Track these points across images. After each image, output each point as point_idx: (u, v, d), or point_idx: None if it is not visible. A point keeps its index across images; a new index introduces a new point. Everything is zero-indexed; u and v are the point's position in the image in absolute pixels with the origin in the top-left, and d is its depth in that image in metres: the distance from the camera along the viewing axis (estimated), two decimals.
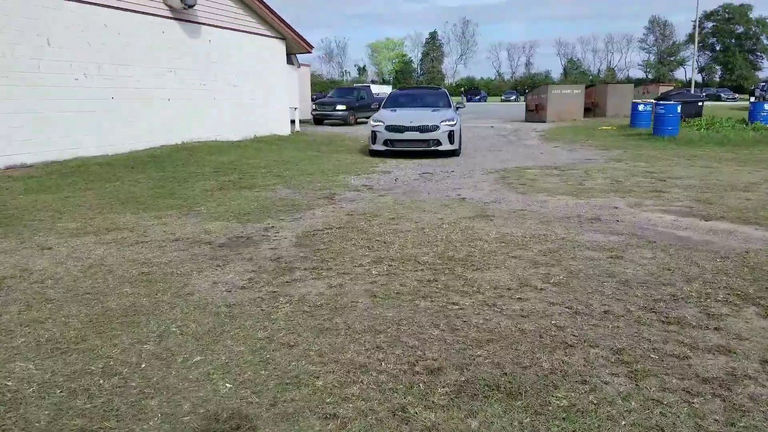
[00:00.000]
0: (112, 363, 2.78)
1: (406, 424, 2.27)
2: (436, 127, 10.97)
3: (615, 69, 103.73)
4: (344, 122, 22.89)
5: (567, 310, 3.38)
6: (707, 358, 2.75)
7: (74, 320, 3.31)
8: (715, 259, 4.23)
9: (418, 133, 10.94)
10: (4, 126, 8.64)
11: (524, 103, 27.59)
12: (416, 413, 2.34)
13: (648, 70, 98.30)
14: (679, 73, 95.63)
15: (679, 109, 14.81)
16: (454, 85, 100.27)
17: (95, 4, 10.20)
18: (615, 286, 3.75)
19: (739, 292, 3.56)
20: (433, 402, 2.42)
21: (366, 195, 7.21)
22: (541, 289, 3.74)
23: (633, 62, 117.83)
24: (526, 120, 25.22)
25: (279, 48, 16.06)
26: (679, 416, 2.28)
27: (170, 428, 2.26)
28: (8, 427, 2.26)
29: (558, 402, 2.41)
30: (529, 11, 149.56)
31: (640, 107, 17.60)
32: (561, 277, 3.95)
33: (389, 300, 3.58)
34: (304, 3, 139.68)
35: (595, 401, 2.41)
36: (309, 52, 17.54)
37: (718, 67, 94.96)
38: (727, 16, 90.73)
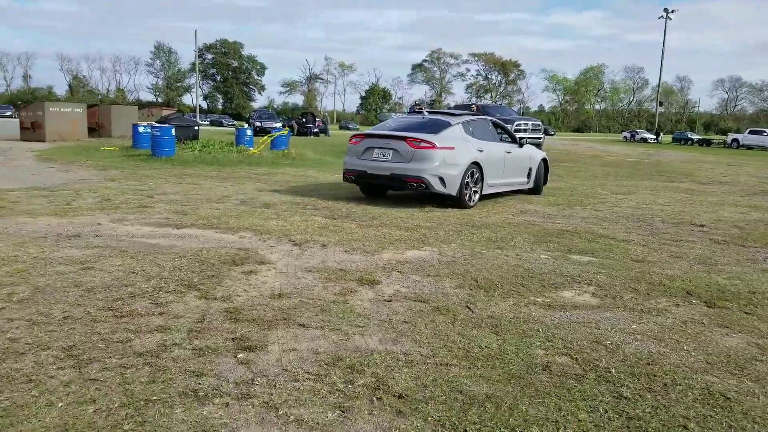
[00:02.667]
0: None
1: None
2: None
3: (125, 90, 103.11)
4: None
5: (26, 322, 3.46)
6: (146, 338, 3.32)
7: None
8: (174, 259, 4.99)
9: None
10: None
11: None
12: None
13: (157, 93, 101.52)
14: (187, 99, 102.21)
15: (173, 131, 16.10)
16: None
17: None
18: (80, 293, 4.01)
19: (187, 282, 4.35)
20: None
21: None
22: (1, 308, 3.68)
23: (142, 85, 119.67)
24: (22, 139, 22.76)
25: None
26: (111, 386, 2.73)
27: None
28: None
29: (2, 404, 2.52)
30: (21, 20, 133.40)
31: (141, 129, 18.26)
32: (26, 293, 3.97)
33: None
34: None
35: (38, 393, 2.63)
36: None
37: (219, 96, 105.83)
38: (223, 50, 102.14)
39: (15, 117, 56.12)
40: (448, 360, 3.24)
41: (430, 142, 8.39)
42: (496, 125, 10.36)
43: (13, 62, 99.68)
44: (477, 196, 9.02)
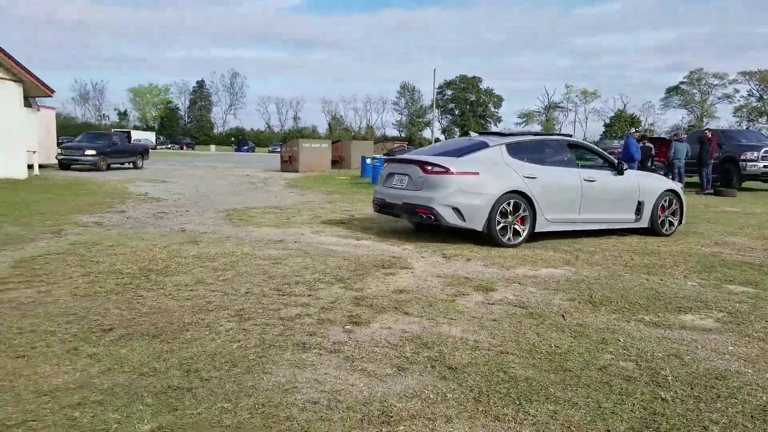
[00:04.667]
0: None
1: (75, 354, 3.52)
2: None
3: (374, 127, 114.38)
4: (95, 167, 22.40)
5: (221, 293, 4.92)
6: (291, 309, 4.49)
7: None
8: (340, 260, 6.21)
9: None
10: None
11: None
12: (84, 349, 3.60)
13: (401, 129, 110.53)
14: (427, 133, 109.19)
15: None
16: (223, 134, 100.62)
17: None
18: (263, 279, 5.42)
19: (339, 277, 5.50)
20: (98, 344, 3.70)
21: (94, 230, 8.08)
22: (210, 283, 5.23)
23: (388, 121, 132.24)
24: (281, 170, 27.38)
25: (15, 91, 15.68)
26: (253, 335, 3.92)
27: None
28: None
29: (186, 336, 3.87)
30: (293, 69, 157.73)
31: (368, 161, 20.80)
32: (229, 275, 5.51)
33: (87, 297, 4.74)
34: (56, 42, 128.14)
35: (208, 333, 3.94)
36: (50, 96, 17.34)
37: (457, 129, 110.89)
38: (462, 85, 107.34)
39: None
40: (511, 350, 3.76)
41: (443, 167, 7.26)
42: (575, 147, 8.61)
43: (287, 106, 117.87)
44: (525, 233, 7.43)
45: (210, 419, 2.78)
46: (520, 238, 7.42)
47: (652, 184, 8.78)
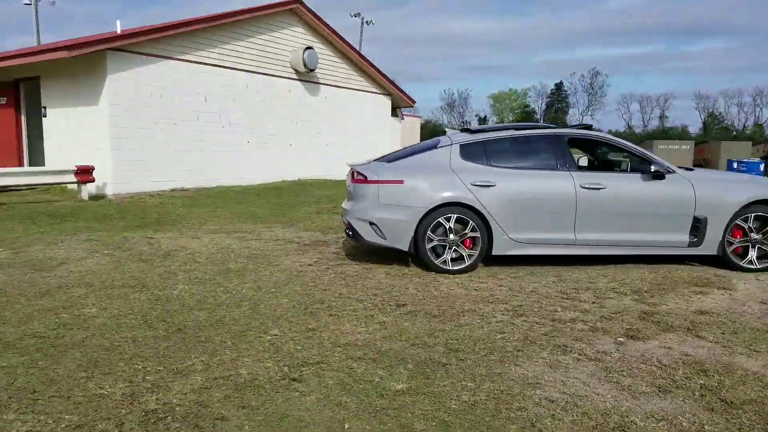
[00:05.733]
0: (228, 289, 5.05)
1: (370, 319, 4.26)
2: None
3: (764, 125, 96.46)
4: None
5: (507, 288, 5.17)
6: (567, 313, 4.44)
7: (210, 271, 5.67)
8: (645, 271, 5.74)
9: None
10: (173, 162, 11.78)
11: None
12: (378, 317, 4.31)
13: None
14: None
15: (761, 167, 15.32)
16: None
17: (238, 69, 13.36)
18: (553, 280, 5.44)
19: (634, 289, 5.12)
20: (390, 314, 4.38)
21: None
22: (501, 278, 5.53)
23: None
24: None
25: (385, 103, 18.74)
26: (519, 329, 4.05)
27: (254, 312, 4.43)
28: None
29: (460, 320, 4.26)
30: (665, 63, 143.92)
31: (734, 164, 18.04)
32: (521, 274, 5.70)
33: (396, 277, 5.57)
34: (430, 57, 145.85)
35: (480, 321, 4.24)
36: (411, 106, 20.12)
37: None
38: None
39: None
40: None
41: (363, 175, 6.06)
42: (587, 143, 6.83)
43: (652, 104, 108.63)
44: (474, 256, 5.80)
45: (451, 392, 3.08)
46: (465, 264, 5.82)
47: (723, 194, 5.95)
